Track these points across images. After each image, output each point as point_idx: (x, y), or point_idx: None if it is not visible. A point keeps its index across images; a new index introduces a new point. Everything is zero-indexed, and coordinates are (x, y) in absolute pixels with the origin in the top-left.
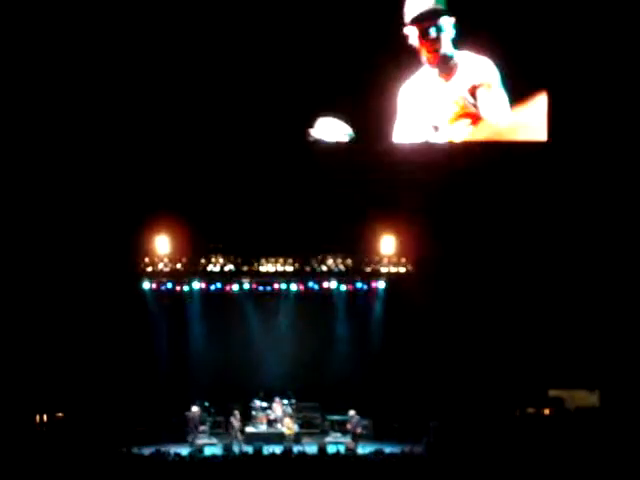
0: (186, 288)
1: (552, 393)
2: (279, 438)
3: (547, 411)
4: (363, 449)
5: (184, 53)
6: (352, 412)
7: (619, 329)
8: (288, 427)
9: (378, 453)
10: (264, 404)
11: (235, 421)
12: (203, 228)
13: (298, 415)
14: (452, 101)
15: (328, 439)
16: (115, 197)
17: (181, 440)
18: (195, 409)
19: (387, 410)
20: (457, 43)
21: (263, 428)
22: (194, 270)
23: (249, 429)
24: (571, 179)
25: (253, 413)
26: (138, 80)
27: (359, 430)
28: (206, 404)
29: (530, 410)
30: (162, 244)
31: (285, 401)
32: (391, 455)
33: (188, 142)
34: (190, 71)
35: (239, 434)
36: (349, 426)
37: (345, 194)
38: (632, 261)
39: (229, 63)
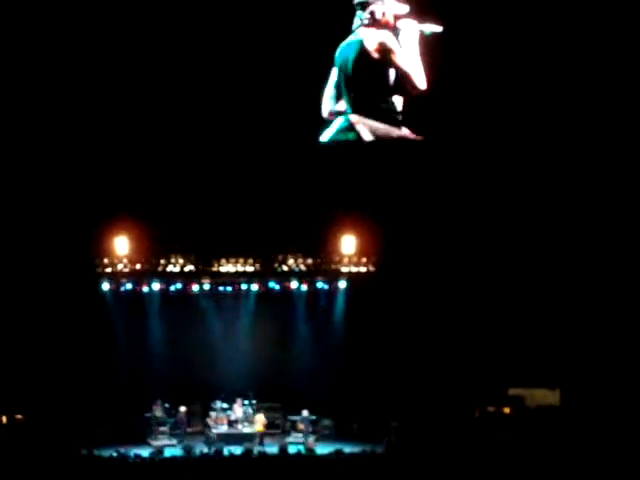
0: (146, 289)
1: (512, 392)
2: (240, 439)
3: (507, 410)
4: (323, 449)
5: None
6: (305, 412)
7: (579, 328)
8: (260, 423)
9: (338, 453)
10: (225, 405)
11: (211, 422)
12: (162, 228)
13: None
14: None
15: (289, 439)
16: (73, 199)
17: (142, 441)
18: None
19: (348, 410)
20: None
21: (224, 429)
22: (153, 271)
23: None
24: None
25: (213, 414)
26: (93, 83)
27: (310, 429)
28: (166, 405)
29: (490, 409)
30: (121, 245)
31: (246, 402)
32: (351, 455)
33: (146, 143)
34: (142, 72)
35: (213, 434)
36: (301, 426)
37: (305, 194)
38: (591, 259)
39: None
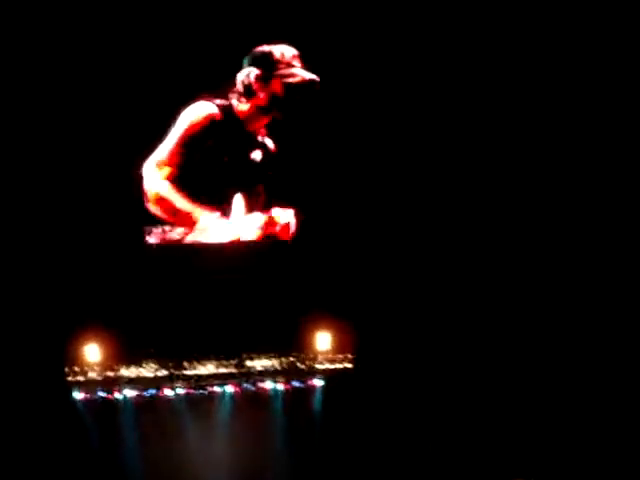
0: (119, 396)
1: None
2: None
3: None
4: None
5: None
6: None
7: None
8: None
9: None
10: None
11: None
12: (132, 333)
13: None
14: None
15: None
16: (42, 309)
17: None
18: None
19: None
20: None
21: None
22: (125, 377)
23: None
24: None
25: None
26: None
27: None
28: None
29: None
30: (92, 352)
31: None
32: None
33: (112, 248)
34: None
35: None
36: None
37: (275, 292)
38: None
39: None
